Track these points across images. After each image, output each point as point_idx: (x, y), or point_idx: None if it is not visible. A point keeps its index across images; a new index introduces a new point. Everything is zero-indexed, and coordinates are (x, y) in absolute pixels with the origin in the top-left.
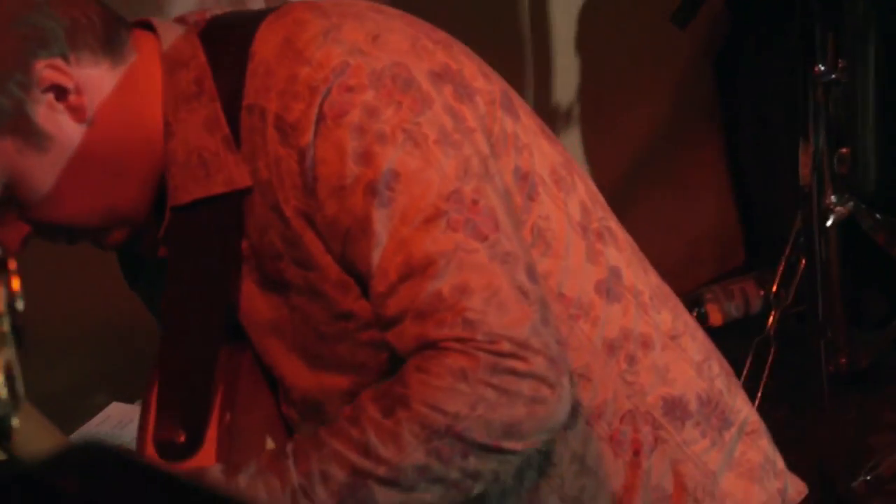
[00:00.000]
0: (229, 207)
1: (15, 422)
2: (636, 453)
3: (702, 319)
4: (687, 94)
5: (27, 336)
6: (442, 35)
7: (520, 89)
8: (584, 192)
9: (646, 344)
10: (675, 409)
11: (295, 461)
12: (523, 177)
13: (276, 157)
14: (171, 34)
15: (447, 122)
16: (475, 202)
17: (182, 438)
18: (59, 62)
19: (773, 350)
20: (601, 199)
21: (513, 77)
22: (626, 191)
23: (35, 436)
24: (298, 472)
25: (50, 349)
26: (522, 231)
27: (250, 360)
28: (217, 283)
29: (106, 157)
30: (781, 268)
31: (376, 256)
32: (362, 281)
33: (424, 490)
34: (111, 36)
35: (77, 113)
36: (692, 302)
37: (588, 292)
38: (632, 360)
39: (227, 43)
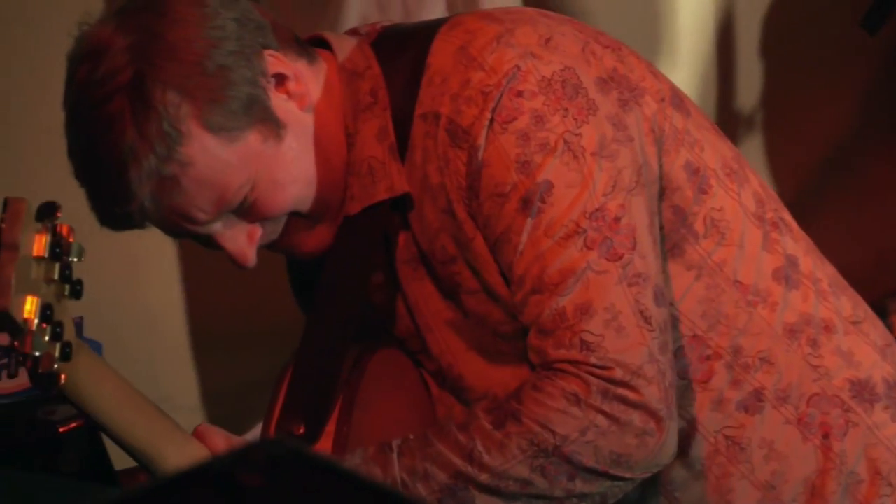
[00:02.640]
0: (387, 213)
1: (59, 367)
2: (825, 436)
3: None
4: (875, 99)
5: (206, 329)
6: (610, 39)
7: (703, 93)
8: (757, 184)
9: (828, 328)
10: (863, 391)
11: (399, 456)
12: (694, 171)
13: (445, 159)
14: (345, 46)
15: (608, 132)
16: (617, 219)
17: (301, 430)
18: (276, 52)
19: None
20: (774, 193)
21: (695, 81)
22: (812, 198)
23: (95, 386)
24: (401, 467)
25: (230, 346)
26: (696, 223)
27: (382, 361)
28: (357, 285)
29: (322, 146)
30: None
31: (516, 265)
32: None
33: (526, 503)
34: (299, 40)
35: (300, 100)
36: (879, 312)
37: (766, 279)
38: (814, 343)
39: (400, 54)
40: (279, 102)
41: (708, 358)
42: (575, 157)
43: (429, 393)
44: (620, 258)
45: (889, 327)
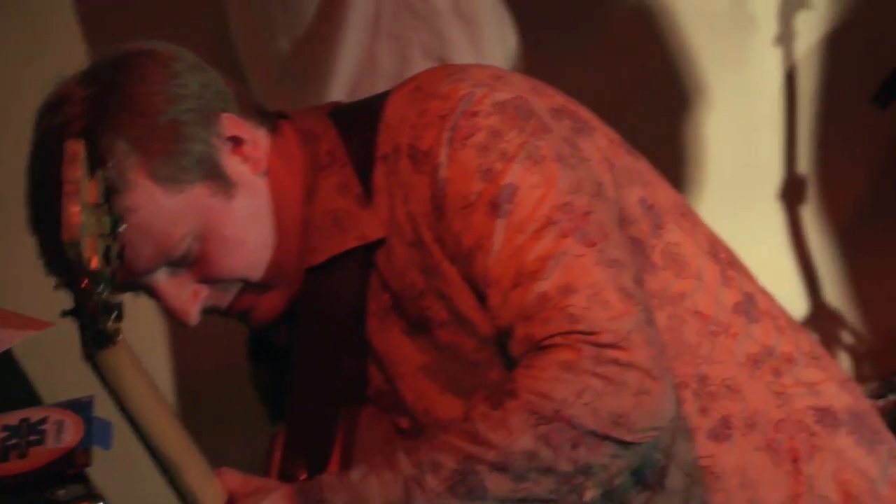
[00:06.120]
0: (362, 261)
1: (114, 326)
2: (795, 461)
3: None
4: (887, 175)
5: None
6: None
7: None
8: (706, 229)
9: (789, 360)
10: (825, 416)
11: (406, 453)
12: (649, 207)
13: (409, 186)
14: (303, 115)
15: (564, 150)
16: (587, 213)
17: (304, 476)
18: (235, 117)
19: None
20: (723, 240)
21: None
22: (823, 274)
23: (136, 377)
24: (409, 463)
25: (238, 419)
26: (654, 255)
27: (370, 413)
28: (345, 336)
29: (276, 211)
30: None
31: (493, 267)
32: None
33: (535, 481)
34: (263, 110)
35: (254, 164)
36: (888, 388)
37: (726, 311)
38: (777, 373)
39: (357, 116)
40: (233, 164)
41: (675, 387)
42: (536, 163)
43: None
44: (595, 244)
45: None
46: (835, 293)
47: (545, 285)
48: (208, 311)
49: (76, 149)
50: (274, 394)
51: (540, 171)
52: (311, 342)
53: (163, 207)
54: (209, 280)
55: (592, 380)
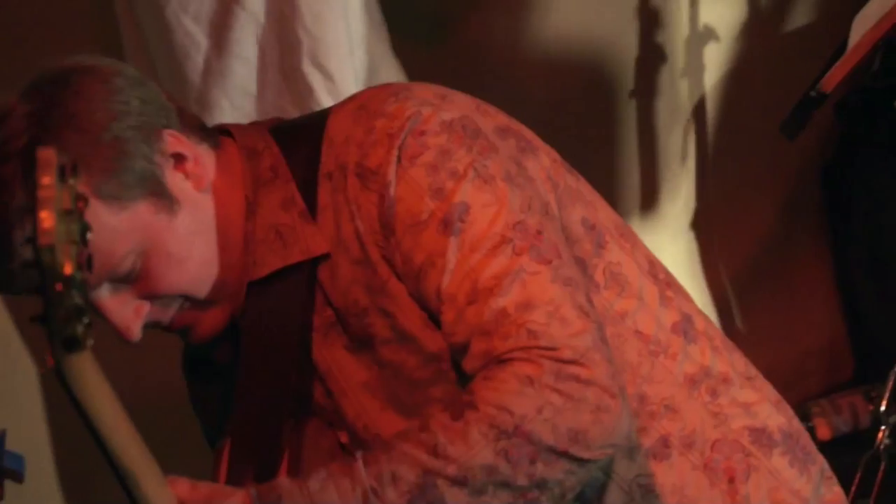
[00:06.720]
0: (306, 276)
1: (84, 332)
2: (731, 480)
3: (809, 433)
4: (795, 204)
5: None
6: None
7: (625, 199)
8: (646, 250)
9: (725, 380)
10: (761, 437)
11: (365, 464)
12: (591, 227)
13: (357, 203)
14: (245, 131)
15: (511, 168)
16: (539, 232)
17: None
18: (177, 133)
19: (882, 467)
20: (661, 261)
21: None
22: (735, 302)
23: (100, 386)
24: (368, 474)
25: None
26: (596, 274)
27: (315, 427)
28: (289, 351)
29: (219, 227)
30: (892, 382)
31: (445, 284)
32: (436, 317)
33: (492, 494)
34: (204, 126)
35: (197, 181)
36: (799, 416)
37: (665, 331)
38: (714, 393)
39: (298, 133)
40: (175, 181)
41: None
42: (486, 182)
43: None
44: (550, 262)
45: (811, 430)
46: (745, 321)
47: (503, 301)
48: (150, 327)
49: (48, 155)
50: (211, 412)
51: (490, 190)
52: (254, 356)
53: (106, 225)
54: (152, 296)
55: (552, 395)
